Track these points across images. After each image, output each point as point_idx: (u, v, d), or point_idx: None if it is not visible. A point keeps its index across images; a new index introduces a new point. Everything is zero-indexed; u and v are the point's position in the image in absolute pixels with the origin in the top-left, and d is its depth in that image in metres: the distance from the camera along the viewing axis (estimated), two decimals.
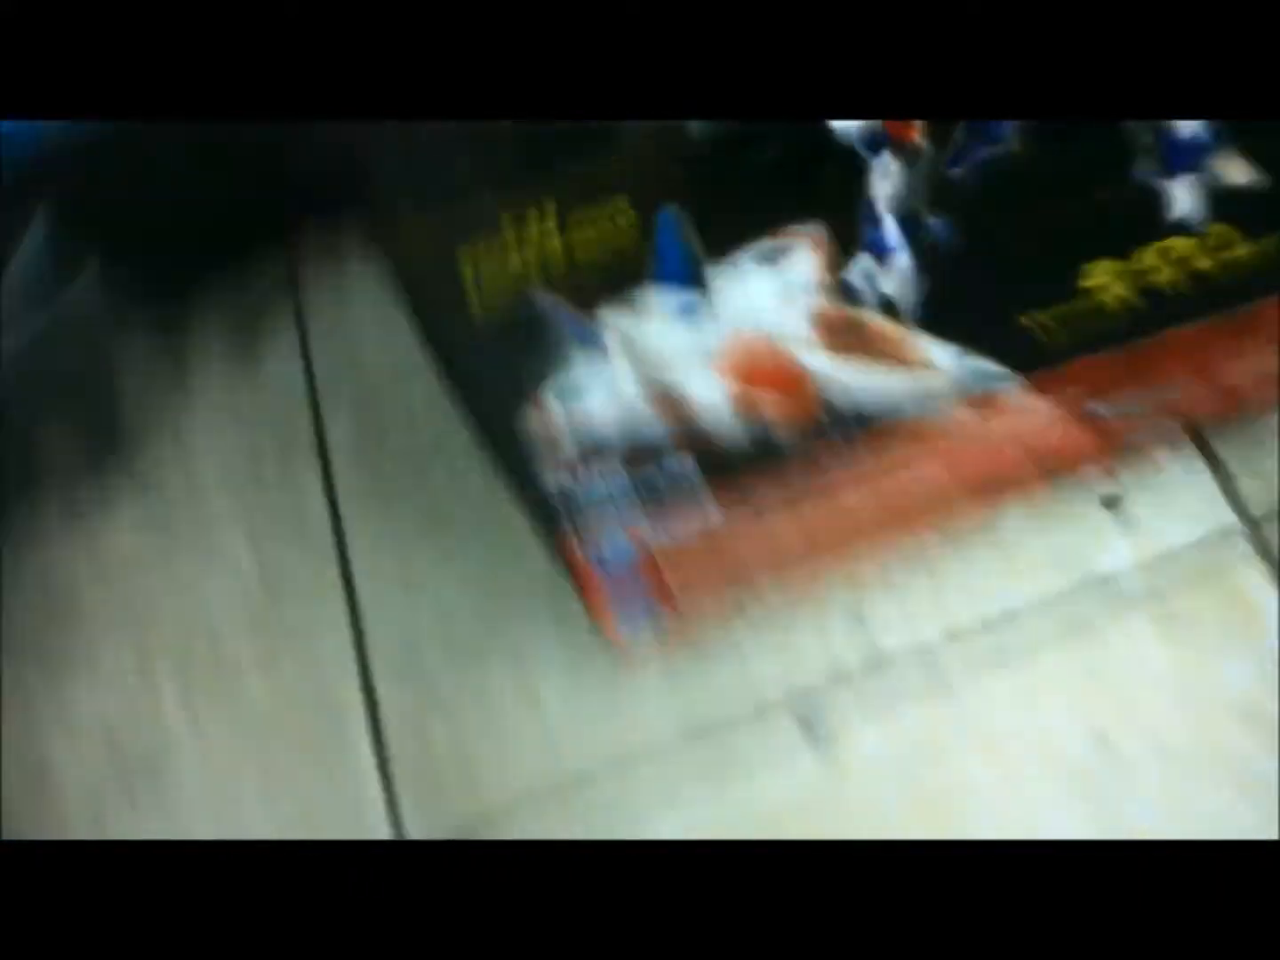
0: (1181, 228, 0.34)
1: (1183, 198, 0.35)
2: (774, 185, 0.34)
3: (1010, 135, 0.34)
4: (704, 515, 0.31)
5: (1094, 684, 0.32)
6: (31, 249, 0.33)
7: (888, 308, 0.33)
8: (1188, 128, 0.35)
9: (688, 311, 0.33)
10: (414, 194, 0.34)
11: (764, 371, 0.33)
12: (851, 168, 0.34)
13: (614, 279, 0.33)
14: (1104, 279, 0.34)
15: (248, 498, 0.37)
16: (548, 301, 0.33)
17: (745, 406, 0.32)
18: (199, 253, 0.37)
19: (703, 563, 0.32)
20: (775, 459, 0.32)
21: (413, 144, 0.34)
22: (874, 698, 0.33)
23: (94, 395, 0.37)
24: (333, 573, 0.35)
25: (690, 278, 0.33)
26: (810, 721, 0.32)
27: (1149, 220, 0.34)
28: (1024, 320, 0.33)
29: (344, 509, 0.36)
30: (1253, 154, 0.35)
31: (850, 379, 0.33)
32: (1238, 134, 0.35)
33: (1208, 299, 0.33)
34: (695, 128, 0.34)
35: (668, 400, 0.32)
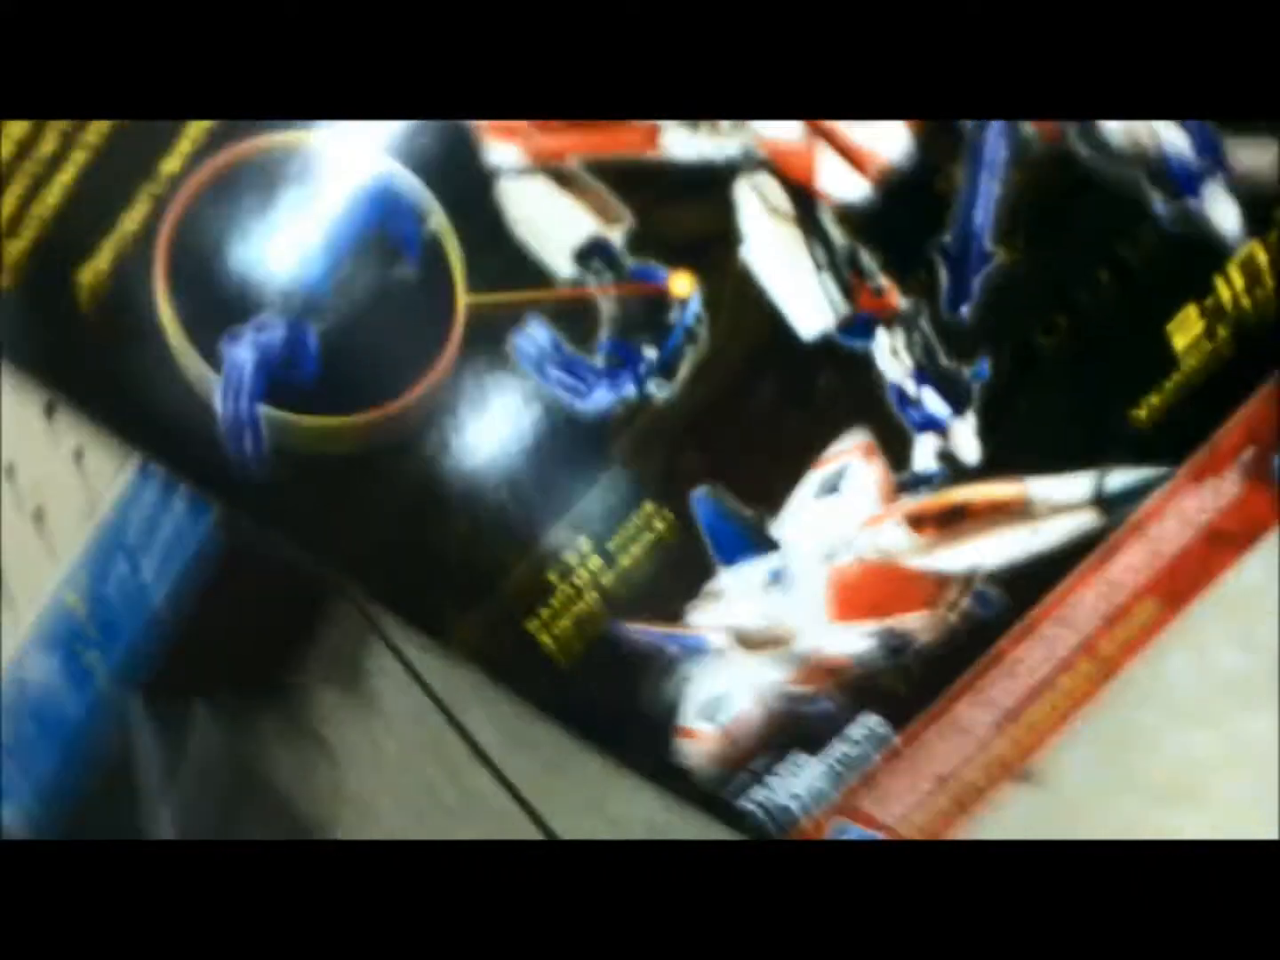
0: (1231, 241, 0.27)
1: (1218, 209, 0.26)
2: (791, 424, 0.29)
3: (991, 248, 0.27)
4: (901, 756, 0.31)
5: None
6: None
7: (979, 473, 0.29)
8: (1177, 145, 0.26)
9: (775, 578, 0.30)
10: (459, 595, 0.31)
11: (886, 594, 0.30)
12: (853, 367, 0.28)
13: (683, 582, 0.30)
14: (1195, 328, 0.28)
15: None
16: (633, 631, 0.31)
17: (888, 636, 0.31)
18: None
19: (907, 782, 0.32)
20: (944, 667, 0.31)
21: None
22: None
23: None
24: None
25: (756, 545, 0.30)
26: None
27: (1199, 247, 0.27)
28: (1139, 413, 0.28)
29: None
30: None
31: (983, 558, 0.30)
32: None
33: None
34: (679, 395, 0.28)
35: (813, 669, 0.31)
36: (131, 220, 0.25)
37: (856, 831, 0.34)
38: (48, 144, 0.25)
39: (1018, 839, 0.33)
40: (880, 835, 0.34)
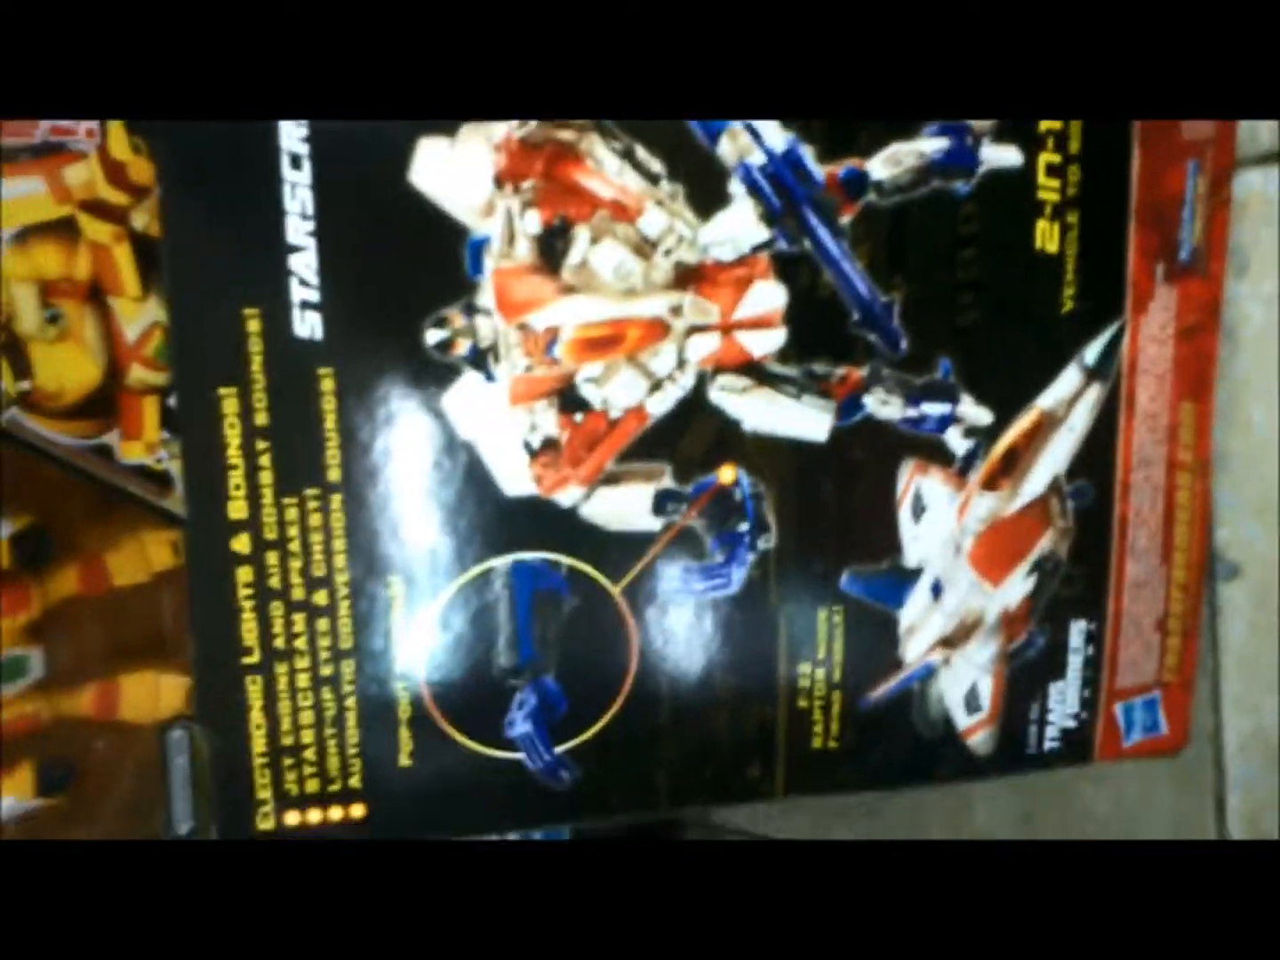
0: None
1: (1000, 155, 0.35)
2: (860, 492, 0.37)
3: (884, 298, 0.36)
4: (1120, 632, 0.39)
5: None
6: None
7: (1000, 423, 0.37)
8: (938, 146, 0.35)
9: (936, 590, 0.38)
10: (756, 760, 0.40)
11: (1013, 542, 0.38)
12: (866, 430, 0.36)
13: (881, 641, 0.39)
14: (1052, 228, 0.36)
15: None
16: (877, 695, 0.39)
17: (1039, 564, 0.38)
18: None
19: None
20: (1092, 553, 0.38)
21: None
22: None
23: None
24: None
25: (905, 580, 0.38)
26: None
27: (1011, 183, 0.36)
28: (1066, 305, 0.37)
29: None
30: None
31: (1053, 468, 0.38)
32: None
33: None
34: (779, 534, 0.37)
35: (1012, 623, 0.39)
36: None
37: (1139, 705, 0.40)
38: None
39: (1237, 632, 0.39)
40: (1157, 694, 0.40)
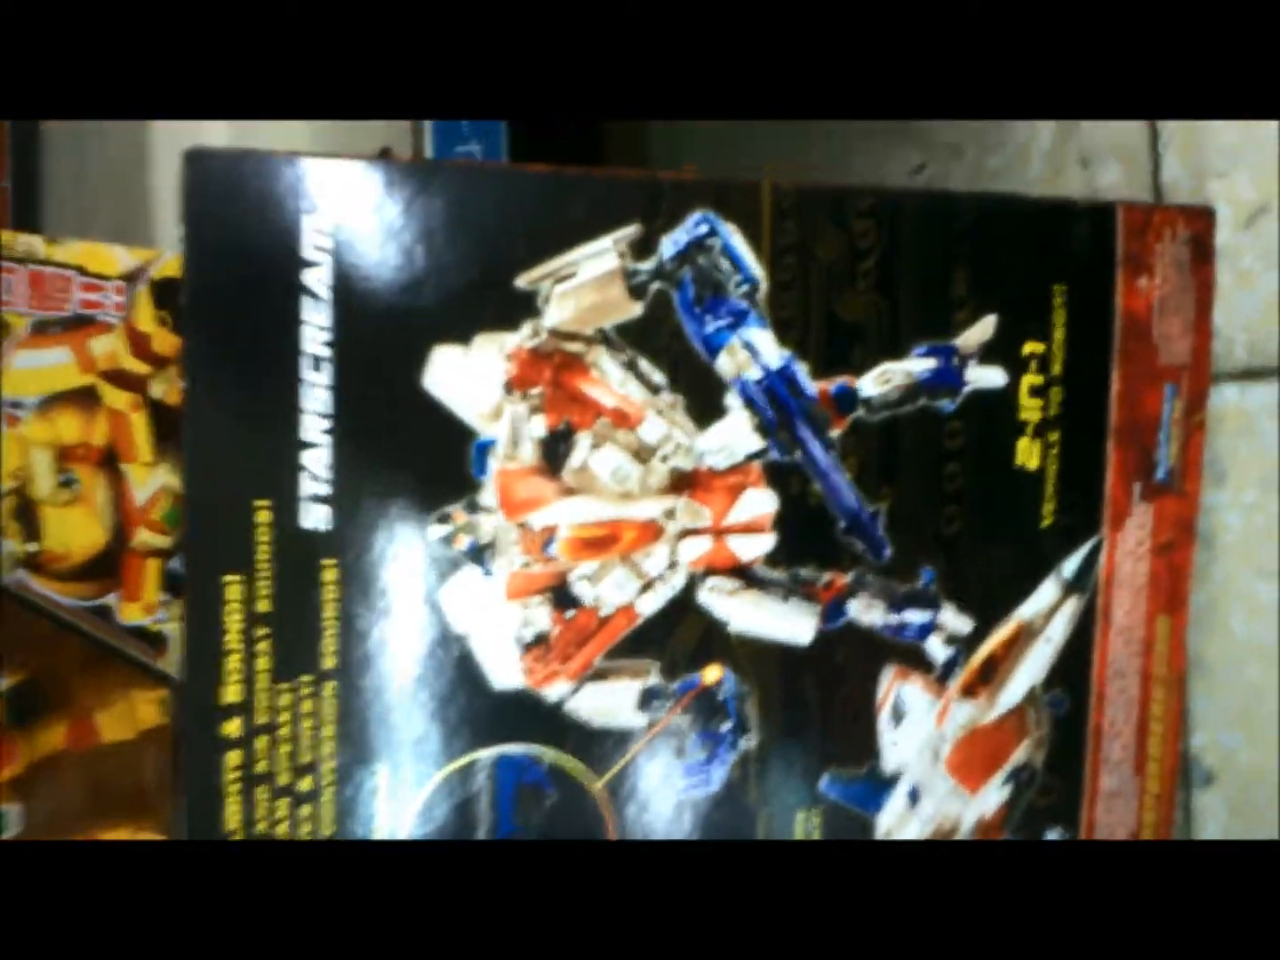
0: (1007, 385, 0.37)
1: (984, 376, 0.37)
2: (842, 696, 0.38)
3: (870, 508, 0.37)
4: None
5: None
6: None
7: (979, 632, 0.38)
8: (925, 366, 0.37)
9: (913, 796, 0.39)
10: None
11: (990, 750, 0.39)
12: (850, 635, 0.38)
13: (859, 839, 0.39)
14: (1033, 447, 0.38)
15: None
16: None
17: (1015, 774, 0.39)
18: None
19: None
20: (1065, 763, 0.39)
21: None
22: None
23: None
24: None
25: (883, 785, 0.39)
26: None
27: (994, 404, 0.37)
28: (1046, 519, 0.38)
29: None
30: None
31: (1029, 678, 0.39)
32: None
33: None
34: (760, 734, 0.38)
35: (987, 829, 0.39)
36: None
37: None
38: None
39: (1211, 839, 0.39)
40: None
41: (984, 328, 0.38)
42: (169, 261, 0.41)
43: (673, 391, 0.35)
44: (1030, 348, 0.38)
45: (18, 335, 0.39)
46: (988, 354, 0.38)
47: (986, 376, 0.38)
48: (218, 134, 0.41)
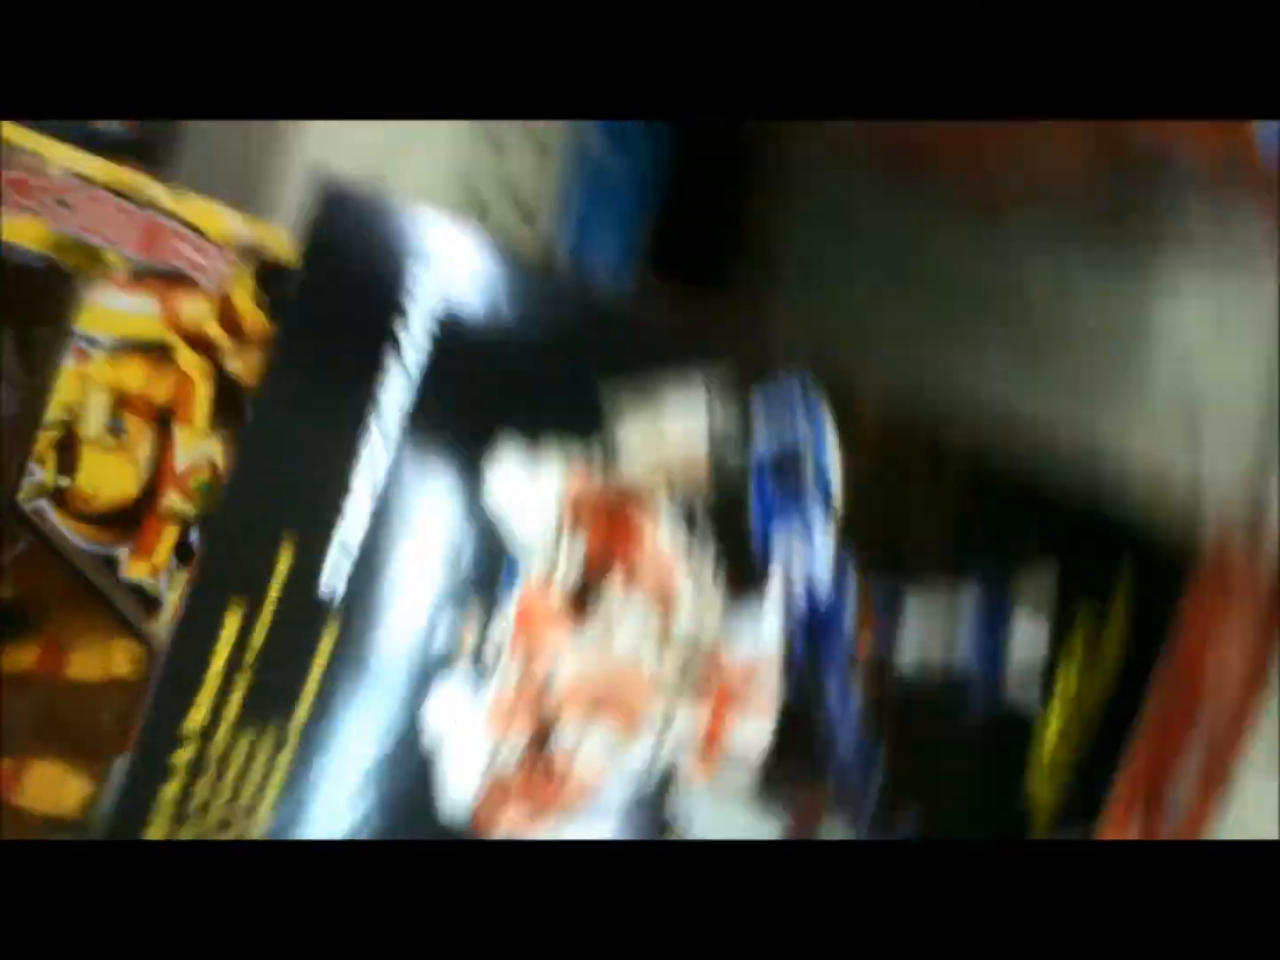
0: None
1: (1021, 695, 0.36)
2: None
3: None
4: None
5: None
6: None
7: None
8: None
9: None
10: None
11: None
12: None
13: None
14: (1042, 768, 0.36)
15: None
16: None
17: None
18: None
19: None
20: None
21: None
22: None
23: None
24: None
25: None
26: None
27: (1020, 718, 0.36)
28: None
29: None
30: None
31: None
32: None
33: None
34: None
35: None
36: None
37: None
38: None
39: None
40: None
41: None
42: (282, 245, 0.40)
43: (716, 564, 0.34)
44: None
45: (114, 275, 0.39)
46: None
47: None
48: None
